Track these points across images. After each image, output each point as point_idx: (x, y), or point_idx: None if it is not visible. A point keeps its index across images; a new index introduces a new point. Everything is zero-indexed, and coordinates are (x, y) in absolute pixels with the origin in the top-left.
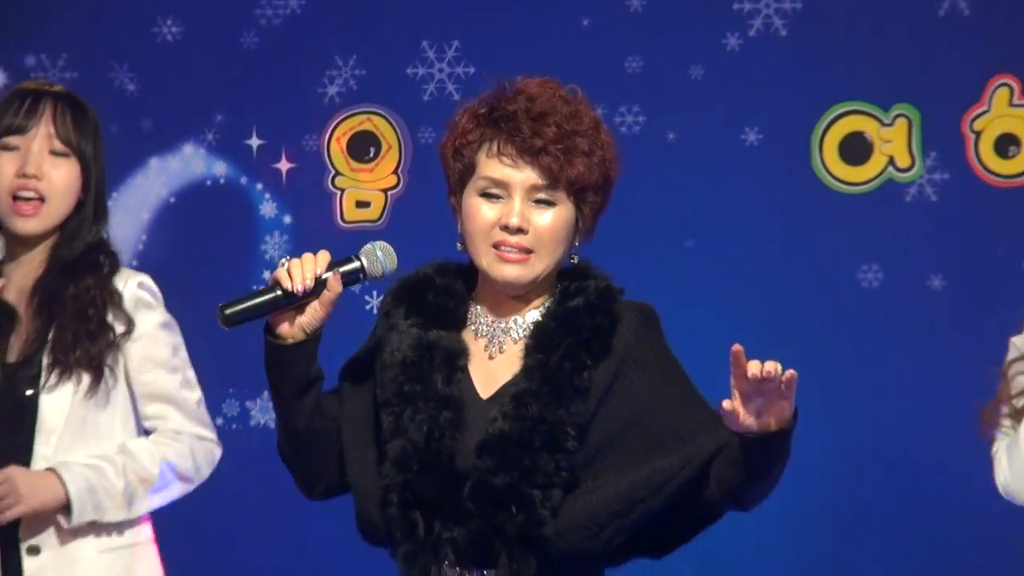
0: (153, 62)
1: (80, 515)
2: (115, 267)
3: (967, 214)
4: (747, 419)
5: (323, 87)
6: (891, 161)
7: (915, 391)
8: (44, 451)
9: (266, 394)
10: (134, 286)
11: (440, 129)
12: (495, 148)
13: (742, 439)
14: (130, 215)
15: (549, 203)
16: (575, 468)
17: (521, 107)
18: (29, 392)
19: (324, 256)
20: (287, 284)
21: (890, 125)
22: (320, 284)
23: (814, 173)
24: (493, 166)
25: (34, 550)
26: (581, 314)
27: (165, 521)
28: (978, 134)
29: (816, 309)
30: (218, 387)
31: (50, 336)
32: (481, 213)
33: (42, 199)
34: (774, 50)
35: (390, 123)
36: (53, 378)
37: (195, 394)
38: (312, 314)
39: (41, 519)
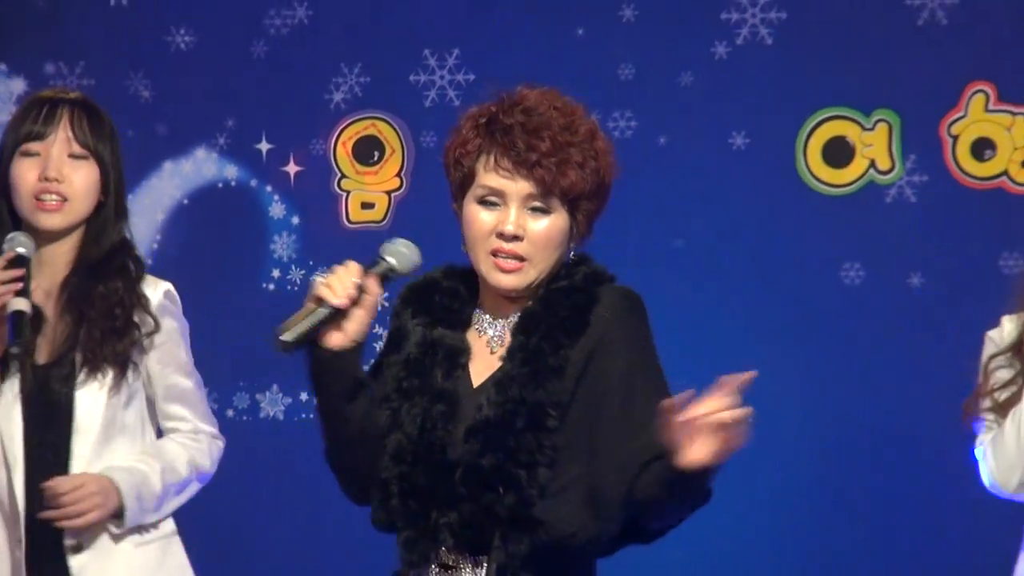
0: (167, 70)
1: (130, 523)
2: (142, 272)
3: (945, 215)
4: (693, 455)
5: (329, 94)
6: (872, 164)
7: (895, 384)
8: (82, 451)
9: (275, 387)
10: (161, 294)
11: (441, 133)
12: (492, 159)
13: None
14: (145, 216)
15: (544, 211)
16: (558, 447)
17: (518, 120)
18: (63, 391)
19: (355, 265)
20: (333, 300)
21: (871, 130)
22: (360, 291)
23: (798, 175)
24: (491, 176)
25: (77, 548)
26: (562, 295)
27: (178, 511)
28: (955, 138)
29: (801, 305)
30: (229, 381)
31: (81, 335)
32: (479, 219)
33: (64, 200)
34: (760, 58)
35: (393, 128)
36: (84, 375)
37: (204, 395)
38: (359, 321)
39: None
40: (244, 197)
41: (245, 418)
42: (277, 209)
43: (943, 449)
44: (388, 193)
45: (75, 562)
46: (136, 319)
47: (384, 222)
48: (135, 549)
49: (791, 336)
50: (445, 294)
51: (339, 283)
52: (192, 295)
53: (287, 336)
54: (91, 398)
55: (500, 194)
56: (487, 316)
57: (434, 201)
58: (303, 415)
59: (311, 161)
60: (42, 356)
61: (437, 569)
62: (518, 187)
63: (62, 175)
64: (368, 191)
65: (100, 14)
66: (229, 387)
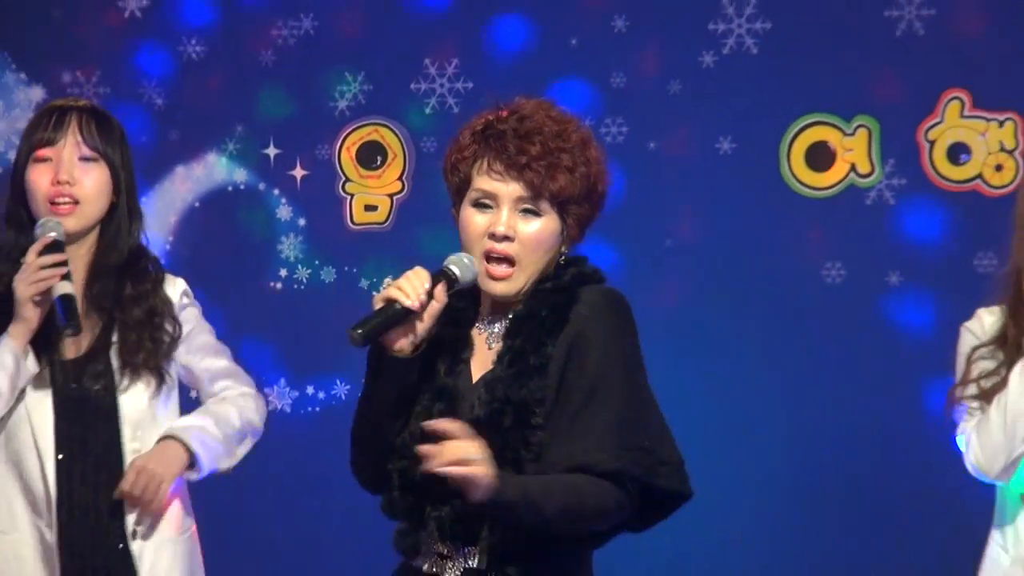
0: (179, 79)
1: (207, 467)
2: (162, 275)
3: (922, 216)
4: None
5: (334, 101)
6: (853, 168)
7: (875, 377)
8: (133, 445)
9: (283, 381)
10: (179, 293)
11: (441, 139)
12: (485, 164)
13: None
14: (158, 218)
15: (535, 213)
16: (543, 443)
17: (511, 127)
18: (100, 390)
19: (425, 271)
20: (406, 301)
21: (851, 135)
22: (429, 297)
23: (782, 179)
24: (484, 179)
25: (137, 534)
26: (547, 295)
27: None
28: (932, 143)
29: (784, 303)
30: None
31: (114, 338)
32: (473, 222)
33: (77, 202)
34: (746, 67)
35: (395, 134)
36: (126, 380)
37: (237, 363)
38: (423, 327)
39: (136, 506)
40: (253, 200)
41: None
42: (284, 211)
43: (917, 435)
44: (390, 196)
45: (136, 547)
46: (168, 327)
47: (386, 224)
48: (179, 537)
49: (775, 332)
50: (453, 294)
51: (410, 286)
52: (203, 293)
53: (362, 329)
54: (135, 400)
55: (492, 196)
56: (487, 315)
57: (434, 203)
58: (309, 408)
59: (317, 165)
60: (69, 351)
61: (434, 557)
62: (509, 189)
63: (73, 178)
64: (371, 194)
65: (115, 26)
66: None
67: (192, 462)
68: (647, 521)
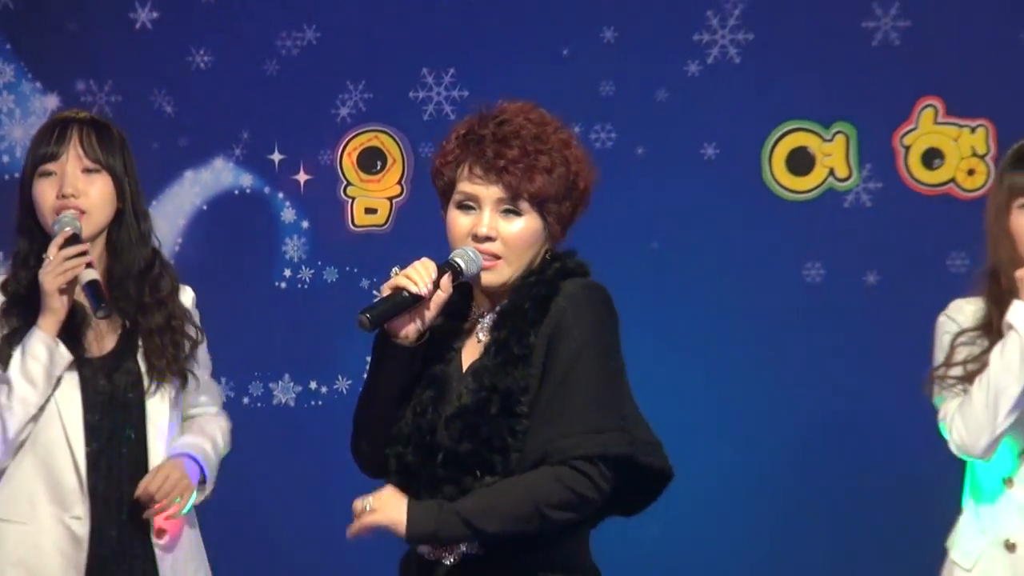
0: (188, 87)
1: (208, 490)
2: (177, 283)
3: (898, 218)
4: None
5: (336, 108)
6: (831, 172)
7: (853, 373)
8: (159, 446)
9: (287, 376)
10: (191, 302)
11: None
12: (467, 168)
13: None
14: (168, 221)
15: (515, 212)
16: (526, 431)
17: (490, 131)
18: (128, 390)
19: (432, 262)
20: (415, 288)
21: (830, 141)
22: (435, 287)
23: (764, 183)
24: (466, 183)
25: (161, 533)
26: (530, 289)
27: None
28: (907, 148)
29: (766, 301)
30: (245, 371)
31: (140, 341)
32: (458, 223)
33: (83, 212)
34: (729, 76)
35: (395, 140)
36: (153, 384)
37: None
38: (428, 315)
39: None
40: (258, 203)
41: (259, 405)
42: (288, 214)
43: (896, 427)
44: (390, 199)
45: (158, 543)
46: (189, 331)
47: (386, 226)
48: (191, 531)
49: (758, 329)
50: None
51: (418, 275)
52: (210, 292)
53: (372, 314)
54: (160, 403)
55: (475, 199)
56: (477, 307)
57: (432, 206)
58: (312, 402)
59: (319, 170)
60: (93, 350)
61: (434, 545)
62: (489, 192)
63: (77, 190)
64: (371, 197)
65: (126, 36)
66: (245, 376)
67: (202, 479)
68: (634, 503)
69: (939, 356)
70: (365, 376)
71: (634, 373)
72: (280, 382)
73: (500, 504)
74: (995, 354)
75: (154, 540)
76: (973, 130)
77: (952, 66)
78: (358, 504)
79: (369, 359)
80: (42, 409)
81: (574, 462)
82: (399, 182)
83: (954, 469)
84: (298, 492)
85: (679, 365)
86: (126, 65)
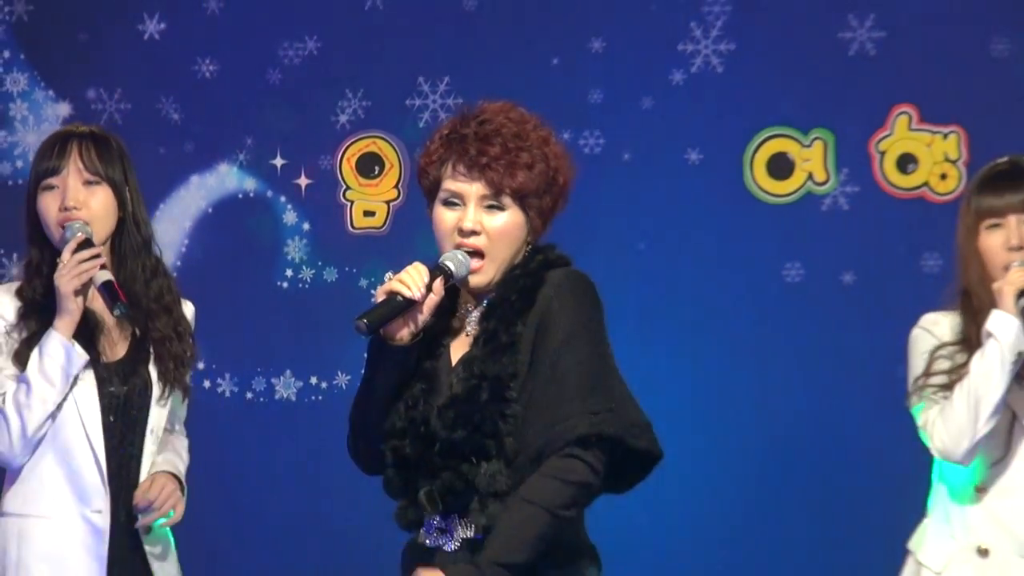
0: (194, 95)
1: (182, 509)
2: (179, 295)
3: (873, 221)
4: None
5: (336, 116)
6: (810, 176)
7: (830, 369)
8: (151, 448)
9: (288, 372)
10: (191, 316)
11: None
12: (451, 166)
13: None
14: (175, 223)
15: (499, 207)
16: (518, 416)
17: (472, 130)
18: (139, 396)
19: (423, 266)
20: (408, 293)
21: (809, 146)
22: (428, 290)
23: (745, 187)
24: (450, 181)
25: (147, 528)
26: (515, 281)
27: (197, 485)
28: (882, 154)
29: (748, 299)
30: (248, 367)
31: (151, 349)
32: (444, 219)
33: (86, 224)
34: (712, 84)
35: (392, 146)
36: (159, 391)
37: None
38: (422, 318)
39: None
40: (261, 206)
41: (262, 399)
42: (290, 217)
43: (870, 423)
44: (387, 203)
45: (149, 547)
46: (191, 341)
47: (384, 228)
48: (170, 539)
49: (739, 327)
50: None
51: (411, 279)
52: (215, 292)
53: (368, 319)
54: (161, 411)
55: (459, 195)
56: (463, 303)
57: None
58: (313, 397)
59: (320, 174)
60: (107, 355)
61: (434, 532)
62: (473, 188)
63: (79, 202)
64: (370, 201)
65: (135, 47)
66: (248, 372)
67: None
68: (625, 482)
69: (917, 368)
70: (361, 377)
71: (619, 368)
72: (282, 377)
73: (520, 532)
74: (975, 361)
75: (145, 545)
76: (946, 136)
77: (925, 75)
78: None
79: (365, 360)
80: (59, 408)
81: (567, 449)
82: (396, 186)
83: (926, 464)
84: (299, 482)
85: (663, 361)
86: (135, 74)
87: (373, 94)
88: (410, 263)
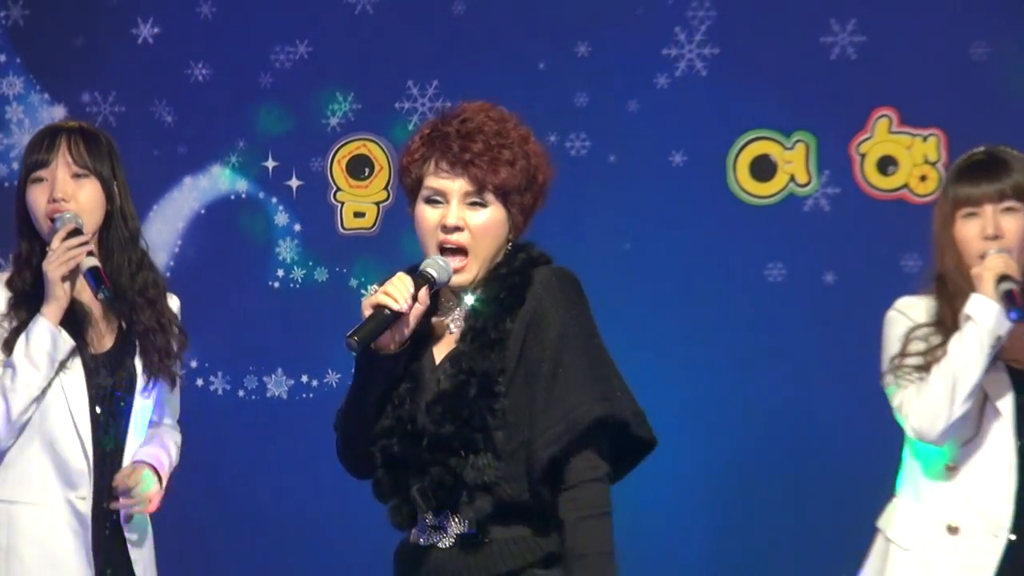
0: (187, 98)
1: (158, 501)
2: (165, 289)
3: (854, 222)
4: None
5: (326, 119)
6: (792, 178)
7: (812, 367)
8: (134, 438)
9: (280, 370)
10: (177, 310)
11: None
12: (434, 164)
13: None
14: (168, 224)
15: (481, 204)
16: (506, 411)
17: (454, 128)
18: (125, 386)
19: (407, 276)
20: (395, 305)
21: (791, 149)
22: (413, 300)
23: (729, 188)
24: (433, 178)
25: (128, 517)
26: (502, 279)
27: (189, 481)
28: (863, 156)
29: (731, 299)
30: (240, 365)
31: (136, 341)
32: (426, 217)
33: (76, 215)
34: (696, 88)
35: (381, 148)
36: (143, 382)
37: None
38: (408, 326)
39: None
40: (253, 207)
41: (254, 397)
42: (281, 218)
43: (851, 418)
44: (377, 204)
45: (127, 530)
46: (178, 333)
47: (373, 228)
48: (147, 527)
49: (723, 326)
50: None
51: (397, 292)
52: (208, 292)
53: (358, 336)
54: (146, 402)
55: (442, 193)
56: (446, 302)
57: None
58: (304, 395)
59: (311, 176)
60: (93, 346)
61: (427, 530)
62: (456, 185)
63: (67, 195)
64: (360, 202)
65: (129, 50)
66: (240, 371)
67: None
68: (620, 470)
69: (892, 349)
70: (349, 387)
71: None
72: (273, 376)
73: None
74: (954, 343)
75: (126, 532)
76: (925, 139)
77: (905, 79)
78: None
79: (354, 370)
80: (44, 393)
81: (585, 484)
82: (385, 188)
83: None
84: (290, 479)
85: (648, 360)
86: (129, 77)
87: (363, 97)
88: (396, 267)
